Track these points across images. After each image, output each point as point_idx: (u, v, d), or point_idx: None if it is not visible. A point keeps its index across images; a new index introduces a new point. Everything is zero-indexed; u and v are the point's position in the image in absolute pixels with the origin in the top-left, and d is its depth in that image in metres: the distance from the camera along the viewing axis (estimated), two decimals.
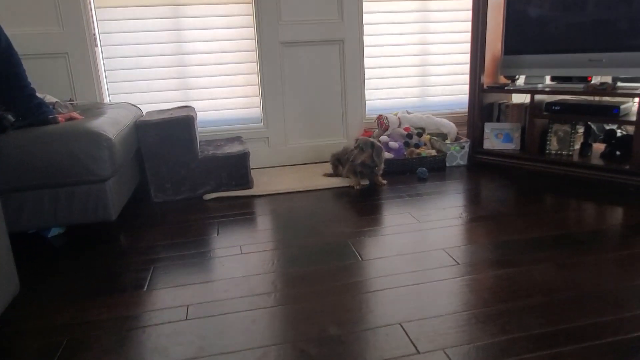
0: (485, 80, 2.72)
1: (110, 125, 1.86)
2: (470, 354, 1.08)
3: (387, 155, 2.71)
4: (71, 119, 1.89)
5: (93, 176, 1.73)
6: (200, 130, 2.77)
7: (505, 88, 2.66)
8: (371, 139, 2.39)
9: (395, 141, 2.75)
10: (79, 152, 1.70)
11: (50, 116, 1.83)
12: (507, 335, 1.14)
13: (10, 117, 1.74)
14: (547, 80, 2.67)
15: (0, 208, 1.26)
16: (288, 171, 2.79)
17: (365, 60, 2.94)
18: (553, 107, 2.49)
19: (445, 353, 1.09)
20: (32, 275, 1.60)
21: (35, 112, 1.81)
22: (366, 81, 2.97)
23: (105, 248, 1.81)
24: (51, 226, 1.88)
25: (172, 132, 2.25)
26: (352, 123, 2.99)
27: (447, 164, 2.78)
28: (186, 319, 1.30)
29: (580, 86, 2.43)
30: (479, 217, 1.95)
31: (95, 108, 2.25)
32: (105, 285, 1.52)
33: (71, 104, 2.30)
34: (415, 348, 1.11)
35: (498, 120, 2.84)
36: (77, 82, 2.54)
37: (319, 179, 2.59)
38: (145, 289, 1.48)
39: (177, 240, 1.85)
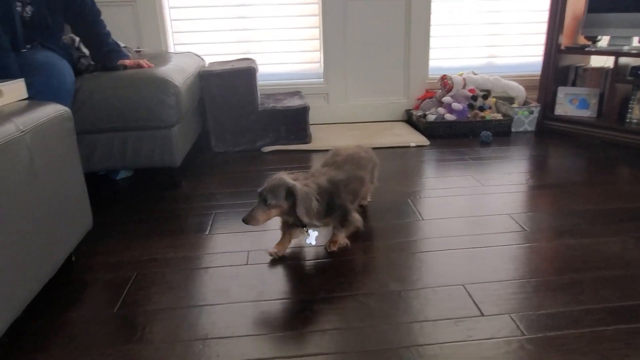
0: (564, 40, 2.51)
1: (176, 72, 1.88)
2: (540, 321, 1.03)
3: (449, 117, 2.60)
4: (139, 66, 1.92)
5: (160, 122, 1.77)
6: (260, 83, 2.75)
7: (586, 49, 2.46)
8: (286, 180, 1.27)
9: (459, 103, 2.63)
10: (148, 98, 1.73)
11: (118, 62, 1.87)
12: (580, 306, 1.08)
13: (84, 62, 1.80)
14: (635, 41, 2.43)
15: (76, 148, 1.31)
16: (346, 128, 2.74)
17: (432, 16, 2.78)
18: (639, 72, 2.27)
19: (511, 318, 1.05)
20: (101, 214, 1.68)
21: (105, 58, 1.87)
22: (431, 39, 2.83)
23: (170, 193, 1.87)
24: (120, 168, 1.97)
25: (234, 83, 2.25)
26: (414, 82, 2.88)
27: (513, 129, 2.63)
28: (247, 264, 1.33)
29: None
30: (547, 184, 1.84)
31: (161, 56, 2.28)
32: (170, 227, 1.57)
33: (138, 52, 2.34)
34: (480, 310, 1.08)
35: (573, 85, 2.64)
36: (144, 30, 2.58)
37: (378, 137, 2.53)
38: (207, 233, 1.52)
39: (237, 189, 1.88)
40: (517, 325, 1.02)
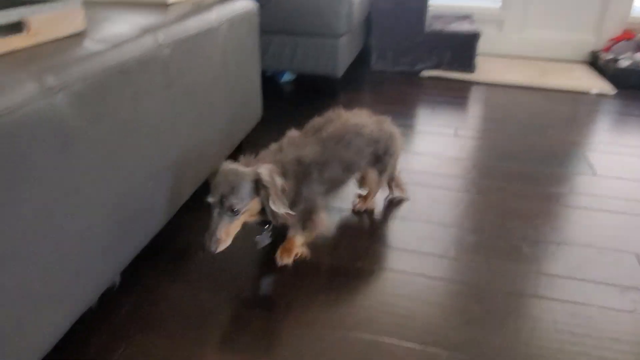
0: None
1: None
2: None
3: None
4: None
5: (329, 30, 1.78)
6: (429, 2, 2.59)
7: None
8: (244, 171, 0.87)
9: None
10: (323, 4, 1.74)
11: None
12: None
13: None
14: None
15: (258, 44, 1.39)
16: (518, 63, 2.48)
17: None
18: None
19: None
20: (266, 109, 1.80)
21: None
22: None
23: (328, 101, 1.91)
24: (287, 70, 2.06)
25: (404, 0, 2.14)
26: (610, 19, 2.44)
27: None
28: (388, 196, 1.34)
29: None
30: None
31: None
32: None
33: None
34: None
35: None
36: None
37: (552, 77, 2.25)
38: None
39: (392, 108, 1.86)
40: None
